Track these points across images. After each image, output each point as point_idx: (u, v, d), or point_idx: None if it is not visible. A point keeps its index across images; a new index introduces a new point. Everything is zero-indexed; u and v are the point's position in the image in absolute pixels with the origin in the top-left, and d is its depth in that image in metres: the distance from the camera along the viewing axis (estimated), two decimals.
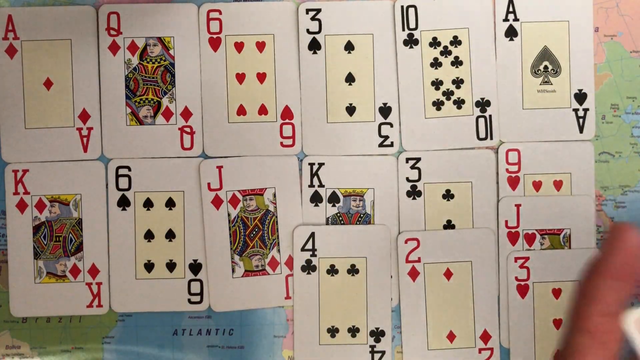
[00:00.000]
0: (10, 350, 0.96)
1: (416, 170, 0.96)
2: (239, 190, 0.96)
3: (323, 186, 0.96)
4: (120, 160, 0.95)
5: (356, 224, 0.96)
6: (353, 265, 0.95)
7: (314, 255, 0.95)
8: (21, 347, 0.96)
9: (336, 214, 0.96)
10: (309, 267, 0.95)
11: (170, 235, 0.96)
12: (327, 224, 0.96)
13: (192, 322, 0.96)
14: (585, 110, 0.96)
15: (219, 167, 0.96)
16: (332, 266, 0.95)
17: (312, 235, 0.95)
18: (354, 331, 0.96)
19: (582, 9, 0.96)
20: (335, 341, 0.96)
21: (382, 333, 0.96)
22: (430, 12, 0.96)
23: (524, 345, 0.96)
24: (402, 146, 0.96)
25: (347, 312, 0.96)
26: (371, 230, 0.96)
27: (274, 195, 0.96)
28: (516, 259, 0.95)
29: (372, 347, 0.96)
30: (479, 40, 0.96)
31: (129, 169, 0.95)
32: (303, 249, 0.95)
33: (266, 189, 0.96)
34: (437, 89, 0.96)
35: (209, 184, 0.96)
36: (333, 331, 0.96)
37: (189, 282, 0.96)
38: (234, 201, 0.96)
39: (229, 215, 0.96)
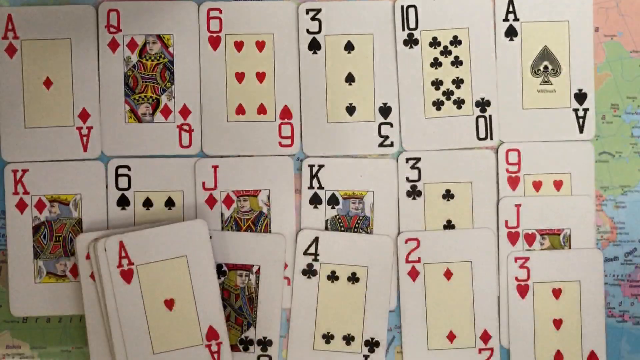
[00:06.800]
0: (10, 350, 0.96)
1: (416, 170, 0.96)
2: (233, 191, 0.96)
3: (323, 188, 0.96)
4: (120, 159, 0.95)
5: (355, 227, 0.96)
6: (354, 274, 0.95)
7: (315, 260, 0.95)
8: (21, 347, 0.96)
9: (335, 216, 0.96)
10: (309, 272, 0.95)
11: None
12: (326, 226, 0.96)
13: None
14: (585, 110, 0.96)
15: (215, 167, 0.95)
16: (333, 272, 0.95)
17: (316, 239, 0.95)
18: (348, 339, 0.96)
19: (582, 9, 0.96)
20: (329, 347, 0.96)
21: (377, 344, 0.96)
22: (430, 12, 0.96)
23: (524, 345, 0.96)
24: (402, 146, 0.96)
25: (343, 320, 0.96)
26: (375, 240, 0.96)
27: (268, 197, 0.96)
28: (516, 259, 0.96)
29: (366, 357, 0.96)
30: (479, 40, 0.96)
31: (129, 169, 0.95)
32: (305, 253, 0.95)
33: (260, 190, 0.96)
34: (437, 89, 0.96)
35: (203, 183, 0.96)
36: (328, 337, 0.96)
37: None
38: (227, 201, 0.96)
39: (222, 215, 0.96)
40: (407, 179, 0.96)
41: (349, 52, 0.96)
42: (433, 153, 0.96)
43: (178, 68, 0.96)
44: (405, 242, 0.96)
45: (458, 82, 0.96)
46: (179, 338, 0.92)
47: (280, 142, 0.96)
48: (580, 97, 0.96)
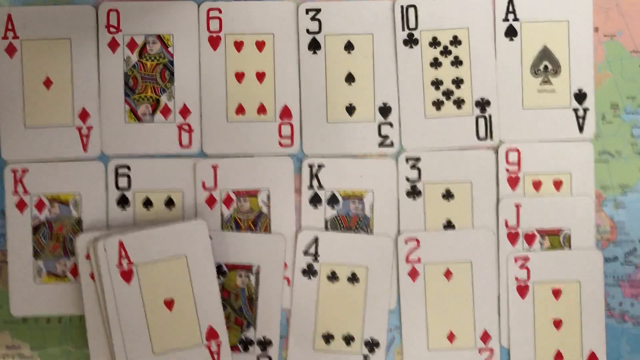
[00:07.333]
0: (10, 350, 0.96)
1: (416, 170, 0.96)
2: (233, 191, 0.96)
3: (323, 188, 0.96)
4: (120, 159, 0.95)
5: (355, 227, 0.96)
6: (354, 274, 0.95)
7: (315, 260, 0.95)
8: (21, 347, 0.96)
9: (335, 216, 0.96)
10: (310, 272, 0.95)
11: None
12: (326, 226, 0.96)
13: None
14: (585, 110, 0.96)
15: (215, 167, 0.95)
16: (333, 273, 0.95)
17: (316, 239, 0.95)
18: (348, 339, 0.96)
19: (582, 8, 0.96)
20: (329, 348, 0.96)
21: (377, 344, 0.96)
22: (430, 12, 0.96)
23: (524, 345, 0.96)
24: (402, 146, 0.96)
25: (343, 320, 0.95)
26: (375, 240, 0.95)
27: (268, 197, 0.96)
28: (516, 259, 0.95)
29: (366, 357, 0.96)
30: (479, 40, 0.96)
31: (129, 168, 0.95)
32: (306, 253, 0.95)
33: (260, 190, 0.96)
34: (437, 88, 0.96)
35: (203, 183, 0.96)
36: (328, 337, 0.96)
37: None
38: (227, 201, 0.96)
39: (222, 215, 0.96)
40: (407, 179, 0.96)
41: (349, 52, 0.96)
42: (433, 153, 0.96)
43: (178, 68, 0.96)
44: (405, 242, 0.96)
45: (458, 82, 0.96)
46: (179, 338, 0.92)
47: (280, 142, 0.96)
48: (580, 97, 0.96)
